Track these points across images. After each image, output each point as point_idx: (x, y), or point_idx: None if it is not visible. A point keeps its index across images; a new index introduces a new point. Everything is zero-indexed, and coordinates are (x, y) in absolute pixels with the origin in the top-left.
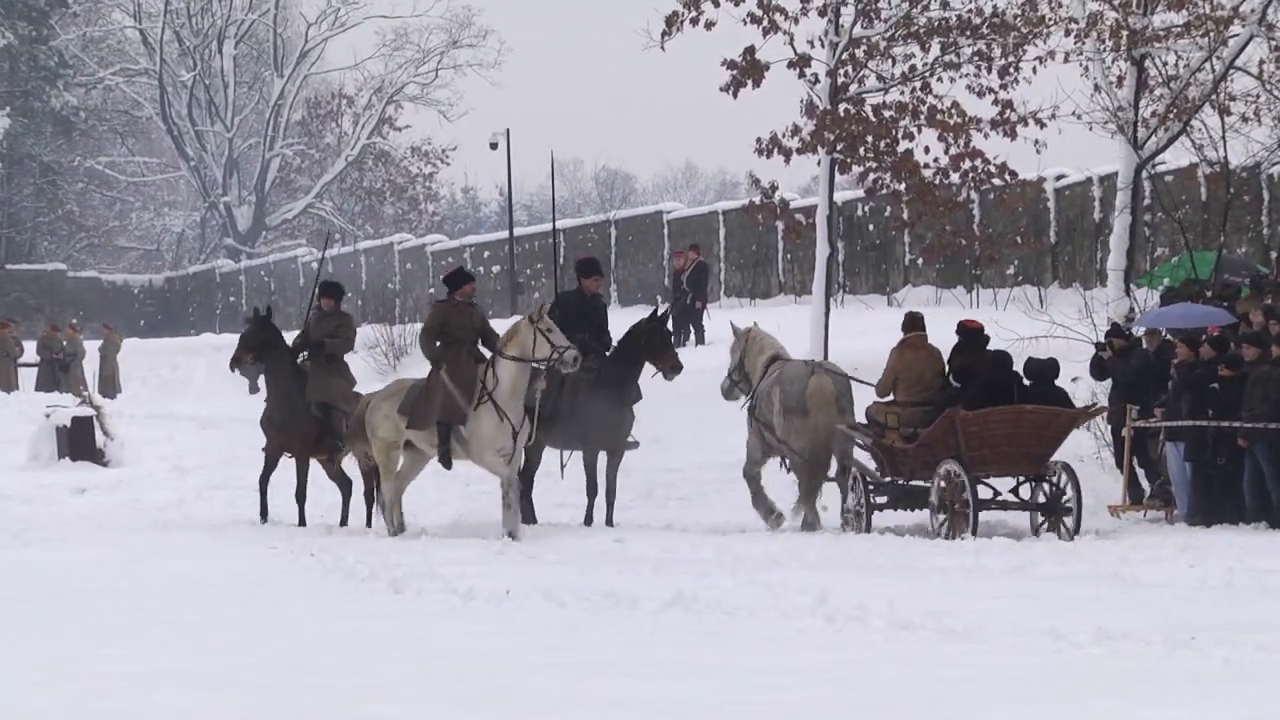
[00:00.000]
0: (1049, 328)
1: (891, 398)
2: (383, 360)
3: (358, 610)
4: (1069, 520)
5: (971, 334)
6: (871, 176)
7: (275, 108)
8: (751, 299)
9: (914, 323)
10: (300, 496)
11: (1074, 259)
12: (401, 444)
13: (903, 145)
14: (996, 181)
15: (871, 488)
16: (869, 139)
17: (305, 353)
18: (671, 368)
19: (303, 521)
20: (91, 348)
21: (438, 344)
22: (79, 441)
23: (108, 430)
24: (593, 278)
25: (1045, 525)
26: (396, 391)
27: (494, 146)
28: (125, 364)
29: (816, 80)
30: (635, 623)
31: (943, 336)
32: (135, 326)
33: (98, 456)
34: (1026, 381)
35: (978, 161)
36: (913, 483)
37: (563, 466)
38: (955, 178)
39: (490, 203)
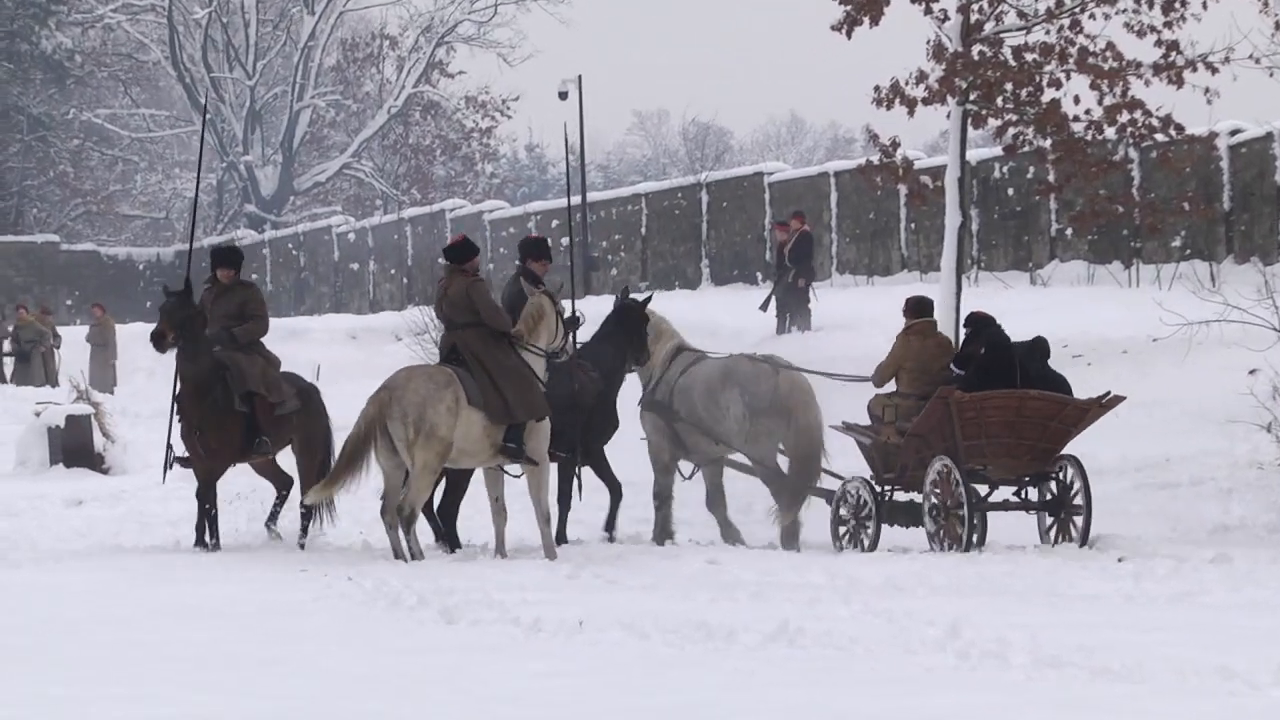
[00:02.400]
0: (1222, 310)
1: (893, 388)
2: (433, 347)
3: (404, 644)
4: (1079, 521)
5: (981, 324)
6: (1011, 131)
7: (305, 51)
8: (869, 276)
9: (921, 308)
10: (213, 515)
11: (1251, 229)
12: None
13: (1048, 94)
14: (1160, 137)
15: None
16: (1008, 87)
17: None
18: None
19: (216, 542)
20: (77, 335)
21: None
22: (74, 444)
23: (107, 431)
24: (540, 260)
25: (1054, 529)
26: (443, 380)
27: (563, 96)
28: (128, 353)
29: (946, 17)
30: (732, 659)
31: (1084, 321)
32: (140, 308)
33: (96, 462)
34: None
35: (1137, 113)
36: (900, 494)
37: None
38: (1110, 133)
39: (559, 163)
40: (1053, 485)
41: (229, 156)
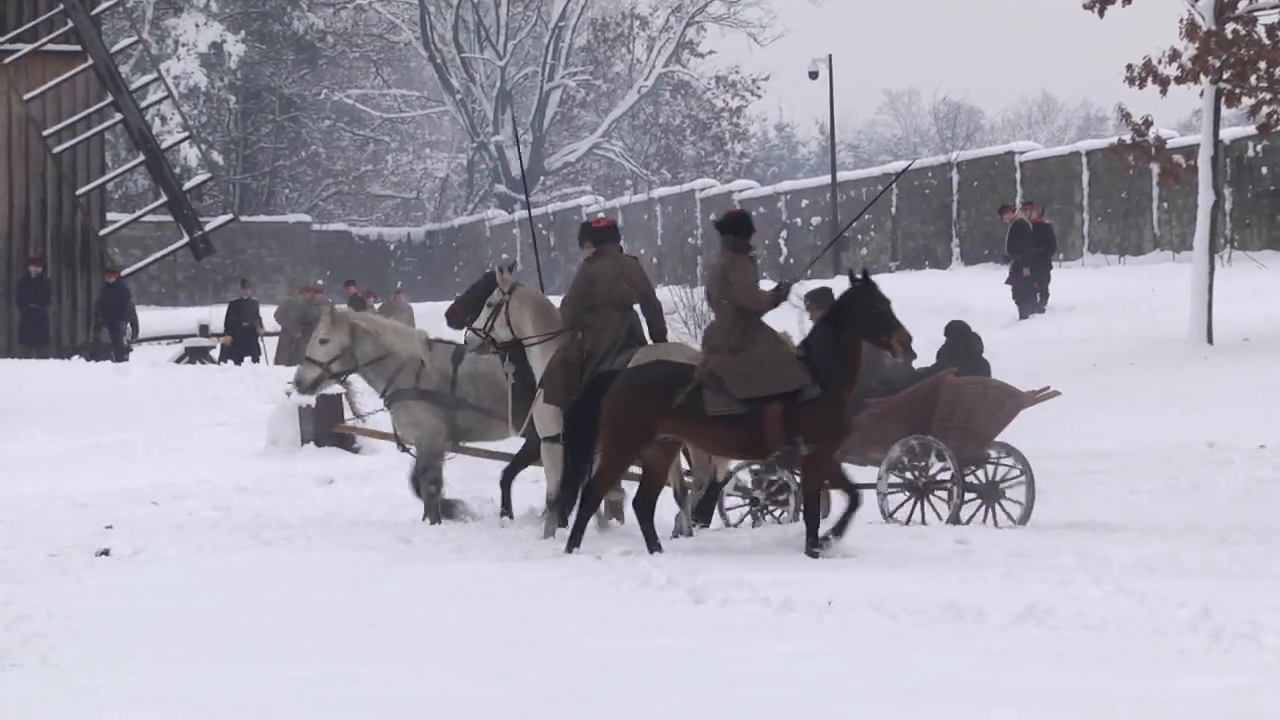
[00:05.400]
0: None
1: None
2: (682, 328)
3: (652, 625)
4: (1014, 505)
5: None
6: (1265, 110)
7: (556, 31)
8: (1120, 255)
9: (827, 298)
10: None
11: None
12: None
13: None
14: None
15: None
16: (1261, 65)
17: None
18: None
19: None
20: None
21: None
22: (324, 424)
23: (357, 410)
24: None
25: (983, 511)
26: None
27: (814, 76)
28: None
29: None
30: (981, 640)
31: None
32: (390, 287)
33: (346, 441)
34: None
35: None
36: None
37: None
38: None
39: (809, 142)
40: (985, 470)
41: (480, 137)
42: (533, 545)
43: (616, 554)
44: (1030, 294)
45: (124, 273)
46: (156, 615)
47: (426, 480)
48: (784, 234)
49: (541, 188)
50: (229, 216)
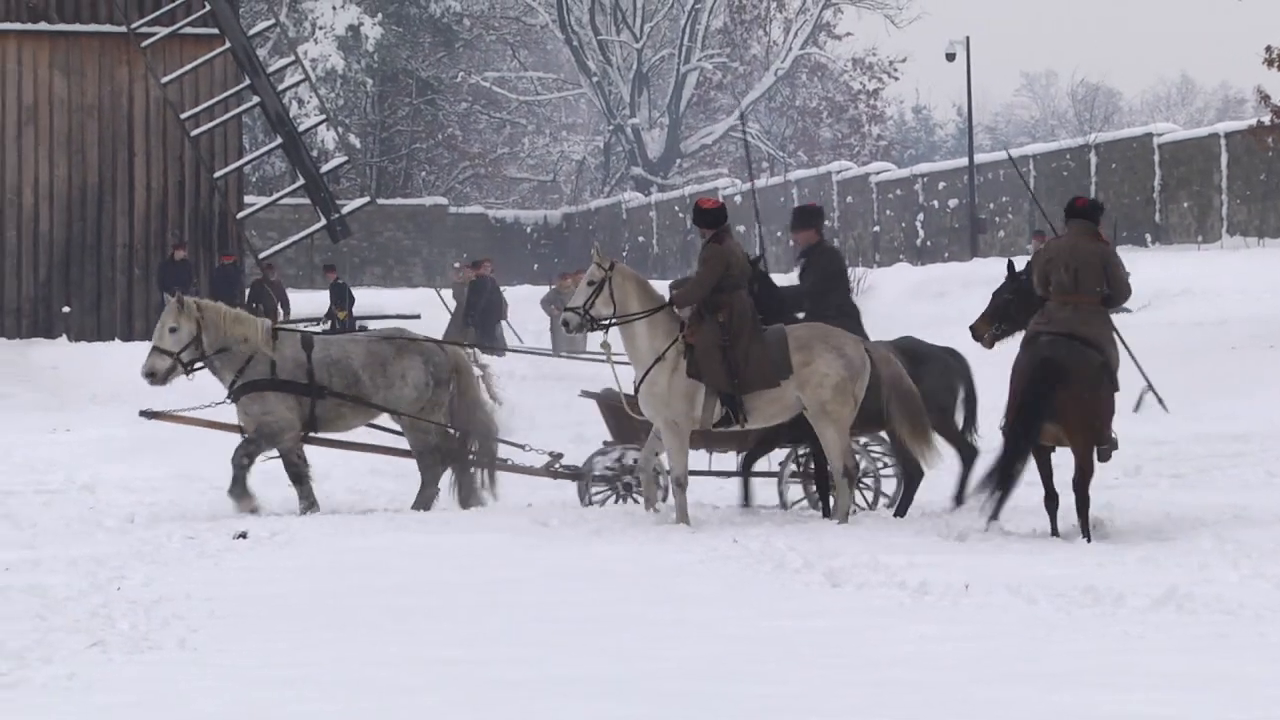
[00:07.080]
0: None
1: None
2: None
3: (788, 607)
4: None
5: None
6: None
7: (692, 13)
8: (1260, 238)
9: None
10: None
11: None
12: None
13: None
14: None
15: None
16: None
17: None
18: None
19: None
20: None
21: None
22: None
23: (494, 393)
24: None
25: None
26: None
27: (951, 58)
28: (515, 315)
29: None
30: (1120, 624)
31: None
32: (527, 270)
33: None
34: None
35: None
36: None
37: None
38: None
39: (946, 124)
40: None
41: (616, 119)
42: (668, 529)
43: (752, 536)
44: None
45: (261, 255)
46: (295, 597)
47: (239, 454)
48: (920, 216)
49: (678, 170)
50: (366, 199)
